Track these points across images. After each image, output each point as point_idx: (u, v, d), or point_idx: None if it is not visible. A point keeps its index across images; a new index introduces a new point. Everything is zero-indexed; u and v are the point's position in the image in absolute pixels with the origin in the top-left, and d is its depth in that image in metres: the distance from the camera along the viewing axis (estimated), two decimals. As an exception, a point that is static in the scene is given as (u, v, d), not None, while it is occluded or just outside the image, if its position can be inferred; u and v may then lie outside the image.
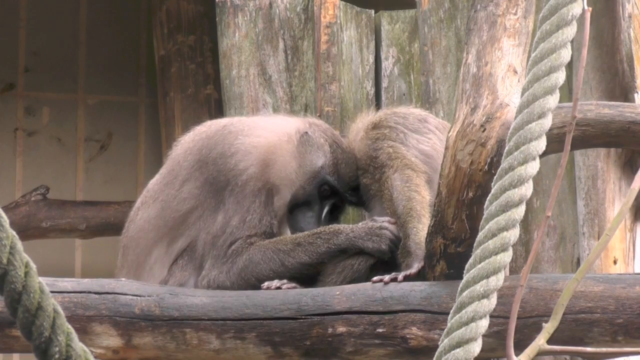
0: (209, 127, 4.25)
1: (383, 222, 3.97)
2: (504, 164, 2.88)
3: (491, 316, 2.80)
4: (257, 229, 4.03)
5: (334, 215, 4.20)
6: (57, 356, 2.28)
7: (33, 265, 2.30)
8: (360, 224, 4.02)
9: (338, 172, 4.14)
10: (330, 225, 4.03)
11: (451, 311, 2.81)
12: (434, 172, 4.00)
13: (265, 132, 4.16)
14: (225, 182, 4.06)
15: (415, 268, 3.76)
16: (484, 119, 3.48)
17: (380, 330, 3.68)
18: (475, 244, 2.85)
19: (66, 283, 3.87)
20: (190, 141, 4.22)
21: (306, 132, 4.13)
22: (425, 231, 3.78)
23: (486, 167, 3.47)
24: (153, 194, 4.21)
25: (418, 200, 3.92)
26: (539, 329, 2.94)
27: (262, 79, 4.72)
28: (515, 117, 2.91)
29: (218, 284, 4.01)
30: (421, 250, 3.78)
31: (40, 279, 2.30)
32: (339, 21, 4.71)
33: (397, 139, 4.10)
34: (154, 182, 4.26)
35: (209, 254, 4.04)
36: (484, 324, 2.76)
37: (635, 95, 4.40)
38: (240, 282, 4.00)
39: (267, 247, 4.00)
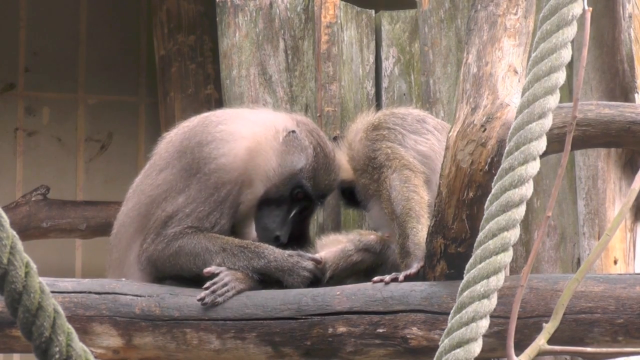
0: (192, 120, 4.24)
1: (308, 262, 3.94)
2: (505, 164, 2.88)
3: (491, 316, 2.80)
4: (200, 222, 4.00)
5: (302, 217, 4.17)
6: (57, 356, 2.28)
7: (33, 265, 2.29)
8: (287, 253, 3.95)
9: (315, 177, 4.11)
10: (259, 244, 3.97)
11: (451, 311, 2.81)
12: (432, 173, 4.00)
13: (248, 123, 4.13)
14: (197, 169, 4.04)
15: (415, 268, 3.76)
16: (484, 119, 3.48)
17: (380, 330, 3.68)
18: (475, 244, 2.85)
19: (66, 283, 3.87)
20: (173, 135, 4.22)
21: (293, 131, 4.11)
22: (424, 231, 3.78)
23: (486, 167, 3.47)
24: (134, 188, 4.22)
25: (417, 200, 3.92)
26: (539, 329, 2.94)
27: (262, 79, 4.71)
28: (516, 117, 2.91)
29: (152, 261, 3.99)
30: (420, 250, 3.78)
31: (41, 279, 2.30)
32: (339, 21, 4.71)
33: (395, 140, 4.10)
34: (138, 179, 4.25)
35: (156, 229, 4.02)
36: (484, 324, 2.76)
37: (636, 95, 4.40)
38: (168, 265, 3.97)
39: (200, 241, 3.97)
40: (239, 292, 3.83)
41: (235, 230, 4.10)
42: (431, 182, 3.98)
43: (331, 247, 4.00)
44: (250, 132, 4.10)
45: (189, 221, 3.99)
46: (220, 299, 3.81)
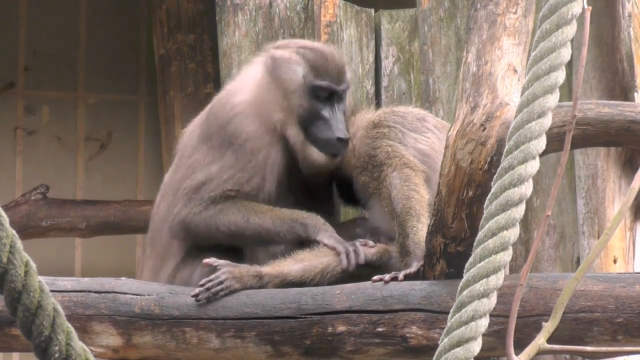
0: (203, 112, 4.27)
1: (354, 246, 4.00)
2: (504, 163, 2.88)
3: (491, 315, 2.80)
4: (241, 187, 4.04)
5: (340, 109, 4.16)
6: (57, 355, 2.28)
7: (33, 264, 2.29)
8: (330, 230, 4.04)
9: (322, 71, 4.11)
10: (299, 214, 4.04)
11: (451, 310, 2.81)
12: (432, 171, 4.00)
13: (243, 87, 4.15)
14: (229, 144, 4.07)
15: (414, 267, 3.76)
16: (484, 118, 3.48)
17: (380, 329, 3.68)
18: (475, 243, 2.85)
19: (66, 282, 3.87)
20: (192, 128, 4.26)
21: (272, 56, 4.12)
22: (424, 230, 3.78)
23: (486, 166, 3.47)
24: (169, 186, 4.22)
25: (417, 199, 3.92)
26: (539, 328, 2.94)
27: (262, 78, 4.70)
28: (515, 116, 2.91)
29: (185, 224, 4.04)
30: (420, 249, 3.78)
31: (40, 278, 2.30)
32: (338, 20, 4.71)
33: (395, 138, 4.10)
34: (168, 175, 4.28)
35: (187, 194, 4.04)
36: (483, 323, 2.76)
37: (635, 94, 4.40)
38: (203, 226, 4.00)
39: (243, 203, 4.03)
40: (233, 291, 3.84)
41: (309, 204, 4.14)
42: (431, 181, 3.99)
43: (329, 257, 3.97)
44: (249, 91, 4.12)
45: (227, 186, 4.03)
46: (214, 298, 3.83)
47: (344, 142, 4.06)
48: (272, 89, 4.09)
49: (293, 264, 3.93)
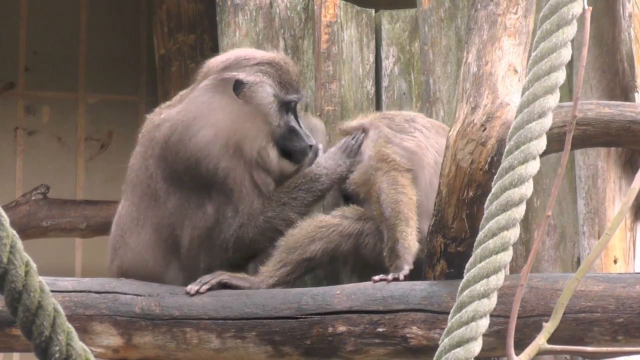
0: (155, 138, 4.12)
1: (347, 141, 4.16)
2: (504, 163, 2.88)
3: (491, 315, 2.80)
4: (249, 212, 4.05)
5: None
6: (57, 355, 2.28)
7: (33, 265, 2.30)
8: (326, 156, 4.15)
9: (288, 85, 4.16)
10: (305, 173, 4.12)
11: (451, 310, 2.81)
12: (419, 169, 4.04)
13: (204, 118, 4.07)
14: (209, 183, 4.02)
15: (406, 270, 3.79)
16: (484, 118, 3.48)
17: (380, 329, 3.68)
18: (475, 243, 2.85)
19: (66, 282, 3.87)
20: (143, 161, 4.14)
21: (238, 80, 4.09)
22: (414, 234, 3.83)
23: (486, 166, 3.47)
24: (134, 220, 4.14)
25: (405, 202, 3.94)
26: (539, 328, 2.94)
27: (262, 78, 4.70)
28: (516, 117, 2.91)
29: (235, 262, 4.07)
30: (410, 254, 3.82)
31: (41, 278, 2.30)
32: (339, 20, 4.71)
33: (381, 141, 4.13)
34: (128, 210, 4.17)
35: (203, 246, 4.04)
36: (484, 323, 2.76)
37: (636, 94, 4.40)
38: (242, 262, 4.05)
39: (258, 219, 4.05)
40: (229, 284, 3.86)
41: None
42: (418, 179, 4.01)
43: (310, 223, 4.04)
44: (214, 124, 4.05)
45: (240, 219, 4.04)
46: (205, 287, 3.84)
47: (312, 147, 4.17)
48: (252, 117, 4.07)
49: (281, 247, 3.99)
